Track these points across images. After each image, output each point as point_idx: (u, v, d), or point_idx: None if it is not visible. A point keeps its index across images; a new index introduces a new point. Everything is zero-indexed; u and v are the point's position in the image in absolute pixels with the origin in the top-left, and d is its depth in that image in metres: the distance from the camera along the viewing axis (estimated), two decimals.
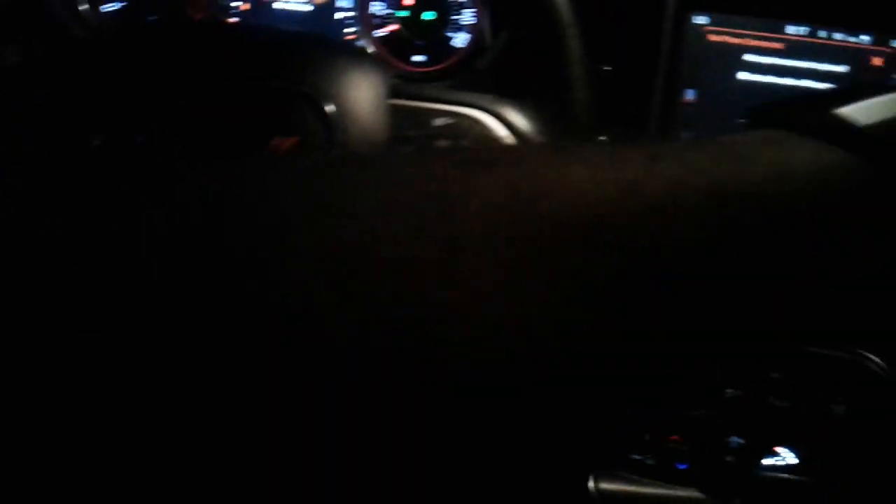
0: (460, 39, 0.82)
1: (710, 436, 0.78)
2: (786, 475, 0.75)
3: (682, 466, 0.79)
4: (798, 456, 0.76)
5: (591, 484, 0.78)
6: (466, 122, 0.56)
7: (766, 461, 0.76)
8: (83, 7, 0.87)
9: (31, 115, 0.50)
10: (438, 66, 0.76)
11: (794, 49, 0.78)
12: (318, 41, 0.53)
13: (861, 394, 0.77)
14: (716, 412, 0.78)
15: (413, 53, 0.83)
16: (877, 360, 0.78)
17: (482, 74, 0.68)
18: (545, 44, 0.56)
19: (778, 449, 0.76)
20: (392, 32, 0.85)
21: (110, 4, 0.88)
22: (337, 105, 0.52)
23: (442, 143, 0.55)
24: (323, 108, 0.52)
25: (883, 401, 0.77)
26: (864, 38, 0.78)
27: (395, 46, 0.84)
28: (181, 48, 0.52)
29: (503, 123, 0.56)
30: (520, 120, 0.56)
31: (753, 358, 0.78)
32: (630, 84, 0.77)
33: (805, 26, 0.78)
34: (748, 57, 0.78)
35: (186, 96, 0.51)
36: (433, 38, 0.82)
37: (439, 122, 0.56)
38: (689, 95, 0.78)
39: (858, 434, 0.76)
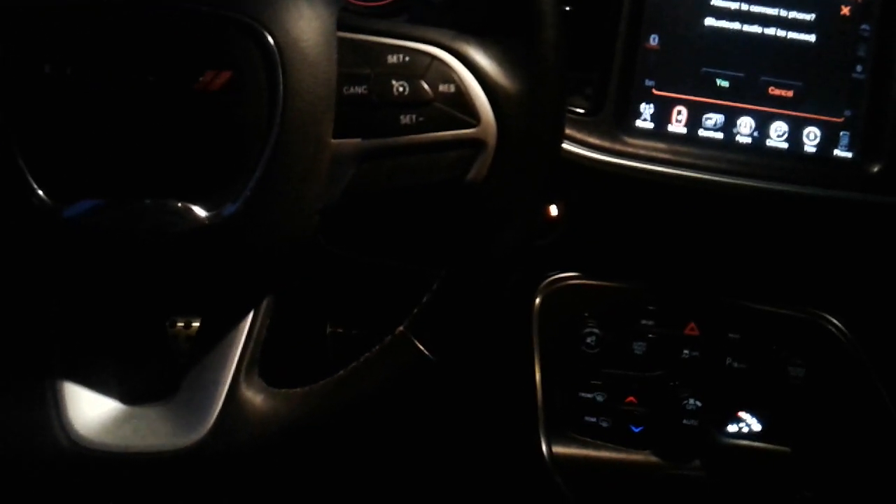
0: None
1: (667, 398, 0.75)
2: (747, 441, 0.73)
3: (637, 429, 0.76)
4: (760, 422, 0.74)
5: (544, 447, 0.74)
6: (424, 60, 0.50)
7: (729, 427, 0.74)
8: None
9: None
10: (386, 1, 0.70)
11: None
12: None
13: (819, 356, 0.76)
14: (672, 374, 0.76)
15: None
16: (834, 321, 0.76)
17: (439, 9, 0.62)
18: None
19: (741, 414, 0.74)
20: None
21: None
22: (279, 36, 0.46)
23: (396, 82, 0.49)
24: (263, 40, 0.46)
25: (840, 363, 0.75)
26: None
27: None
28: None
29: (463, 63, 0.50)
30: (483, 59, 0.50)
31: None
32: (592, 27, 0.72)
33: None
34: (715, 2, 0.74)
35: (105, 20, 0.44)
36: None
37: (393, 59, 0.50)
38: (653, 41, 0.74)
39: (817, 397, 0.75)
